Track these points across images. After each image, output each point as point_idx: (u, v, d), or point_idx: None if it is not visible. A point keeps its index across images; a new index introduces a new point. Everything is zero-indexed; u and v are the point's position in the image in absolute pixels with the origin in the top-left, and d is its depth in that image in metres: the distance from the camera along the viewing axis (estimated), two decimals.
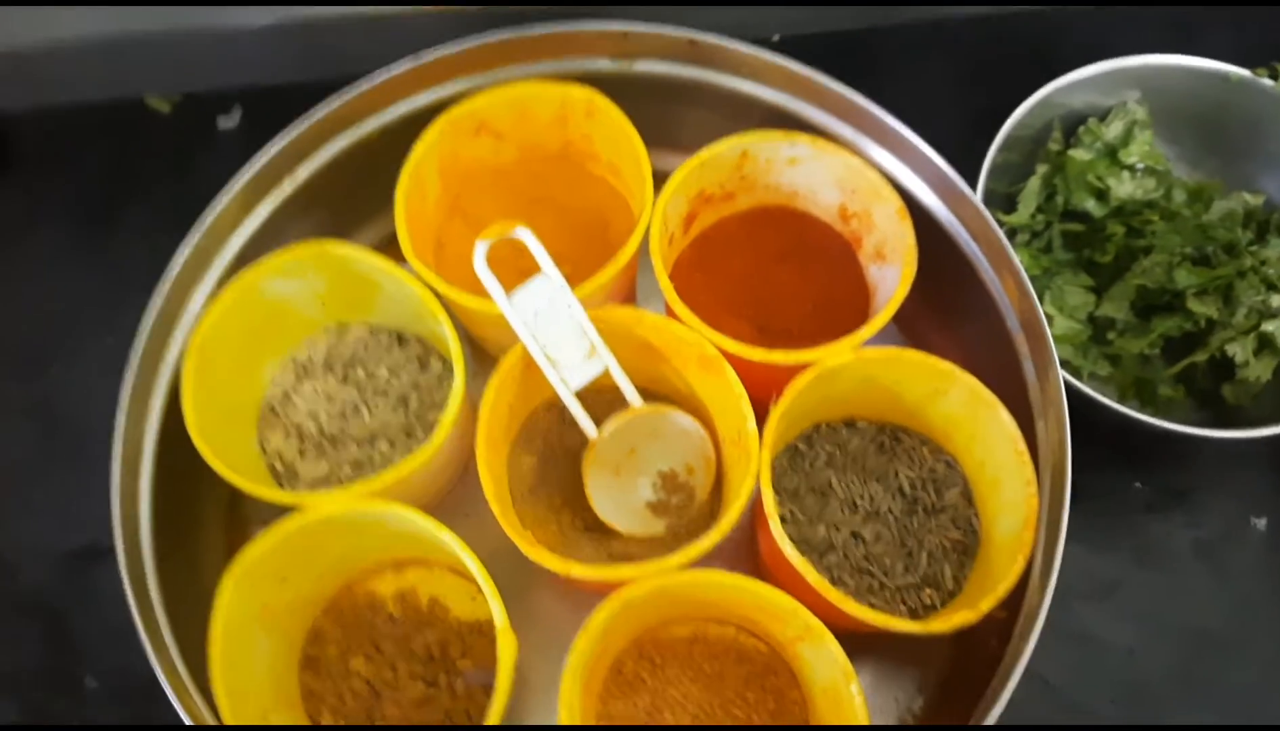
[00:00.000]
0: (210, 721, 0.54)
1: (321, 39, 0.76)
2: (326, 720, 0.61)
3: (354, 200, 0.69)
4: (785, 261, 0.70)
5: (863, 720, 0.53)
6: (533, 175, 0.71)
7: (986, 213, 0.59)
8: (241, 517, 0.68)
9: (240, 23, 0.75)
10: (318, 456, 0.65)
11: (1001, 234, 0.59)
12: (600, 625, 0.55)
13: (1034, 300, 0.57)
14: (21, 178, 0.79)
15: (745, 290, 0.69)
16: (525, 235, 0.58)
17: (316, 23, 0.76)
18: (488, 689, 0.61)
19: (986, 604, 0.55)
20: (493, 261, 0.58)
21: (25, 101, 0.79)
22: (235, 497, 0.69)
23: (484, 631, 0.64)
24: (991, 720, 0.52)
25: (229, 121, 0.80)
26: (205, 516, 0.67)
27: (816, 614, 0.56)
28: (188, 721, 0.52)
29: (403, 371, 0.68)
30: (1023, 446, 0.57)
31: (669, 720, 0.61)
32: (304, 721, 0.61)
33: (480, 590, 0.56)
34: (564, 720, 0.53)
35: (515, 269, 0.59)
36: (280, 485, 0.65)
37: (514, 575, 0.61)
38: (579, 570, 0.56)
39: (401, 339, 0.69)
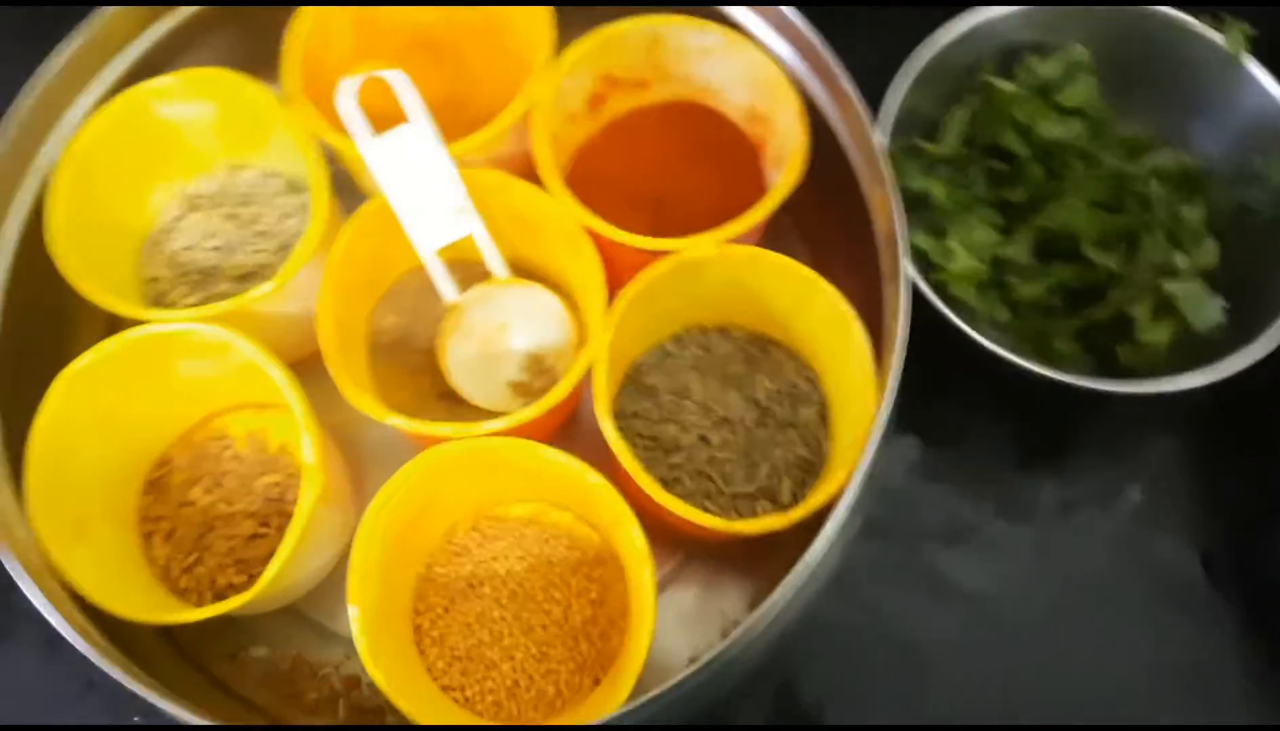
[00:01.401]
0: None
1: None
2: (157, 544, 0.62)
3: (265, 40, 0.68)
4: (690, 159, 0.68)
5: (648, 602, 0.52)
6: (449, 40, 0.70)
7: (866, 115, 0.57)
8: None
9: None
10: (191, 289, 0.65)
11: (876, 136, 0.56)
12: (409, 475, 0.55)
13: (895, 212, 0.55)
14: None
15: (647, 183, 0.68)
16: (394, 77, 0.57)
17: None
18: None
19: (798, 513, 0.53)
20: (387, 123, 0.57)
21: None
22: (115, 323, 0.69)
23: None
24: (776, 604, 0.50)
25: None
26: (79, 331, 0.67)
27: (647, 511, 0.55)
28: None
29: (290, 218, 0.67)
30: (872, 367, 0.55)
31: (486, 593, 0.60)
32: (135, 541, 0.62)
33: (302, 429, 0.56)
34: (355, 560, 0.53)
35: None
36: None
37: (379, 432, 0.60)
38: (397, 420, 0.55)
39: (295, 186, 0.69)
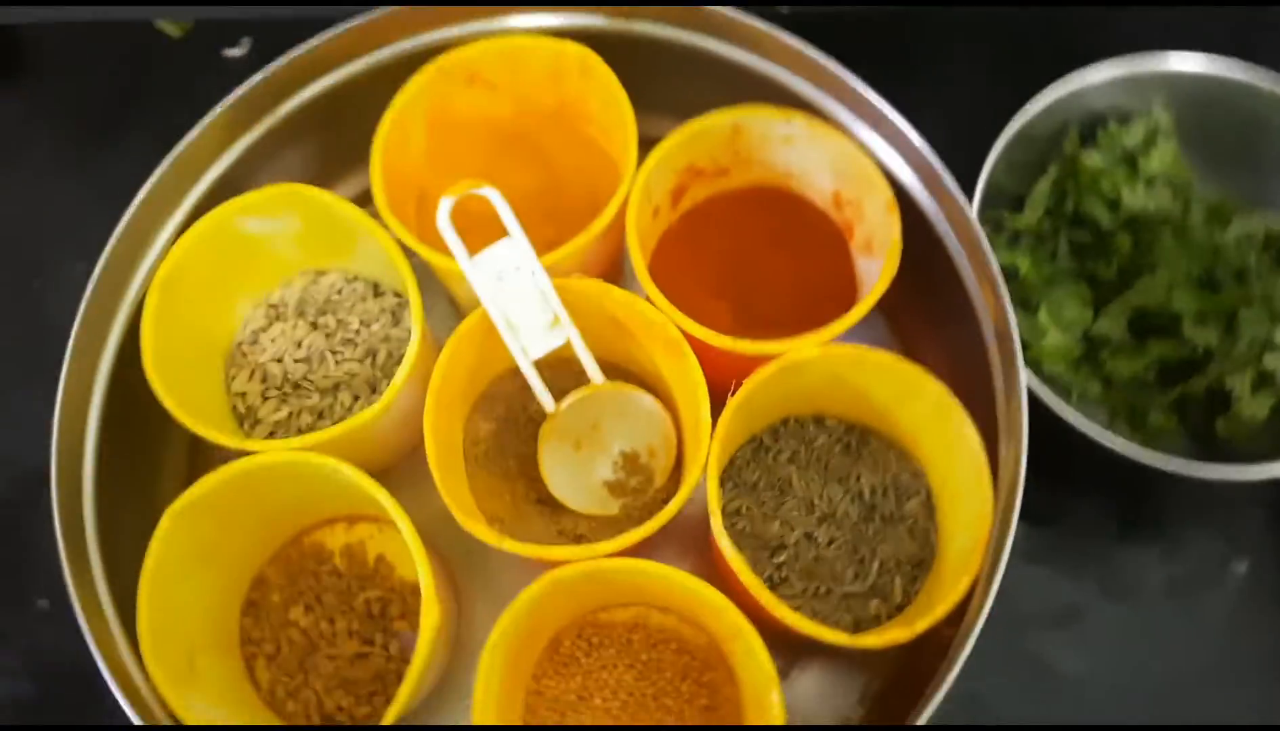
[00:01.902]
0: (124, 651, 0.54)
1: None
2: (260, 667, 0.61)
3: (338, 145, 0.68)
4: (774, 245, 0.67)
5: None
6: (525, 131, 0.69)
7: (967, 207, 0.56)
8: (204, 458, 0.68)
9: None
10: (280, 401, 0.65)
11: (981, 232, 0.56)
12: (527, 604, 0.54)
13: (1007, 310, 0.54)
14: (28, 84, 0.79)
15: (730, 272, 0.67)
16: (492, 195, 0.57)
17: None
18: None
19: (922, 624, 0.53)
20: (472, 221, 0.57)
21: (38, 14, 0.79)
22: (198, 438, 0.68)
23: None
24: None
25: (237, 51, 0.79)
26: (165, 453, 0.67)
27: (755, 613, 0.54)
28: (94, 651, 0.52)
29: (375, 323, 0.67)
30: (984, 462, 0.55)
31: (598, 704, 0.60)
32: (239, 665, 0.61)
33: (417, 564, 0.55)
34: (478, 695, 0.53)
35: (498, 231, 0.57)
36: (240, 425, 0.65)
37: (468, 537, 0.60)
38: (510, 545, 0.55)
39: (378, 290, 0.68)
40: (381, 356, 0.66)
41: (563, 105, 0.67)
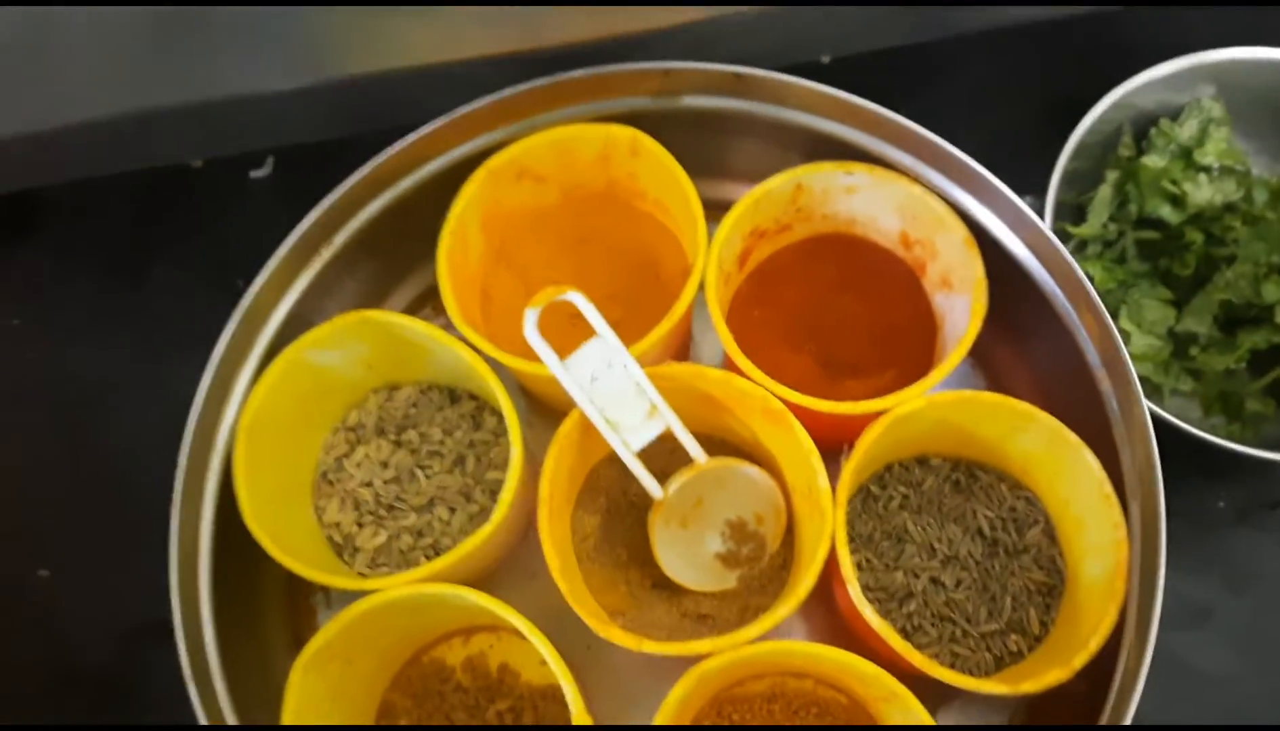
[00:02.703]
0: None
1: (351, 97, 0.74)
2: None
3: (396, 254, 0.68)
4: (845, 290, 0.67)
5: None
6: (577, 216, 0.68)
7: (1060, 246, 0.56)
8: (302, 593, 0.67)
9: (267, 88, 0.72)
10: (376, 526, 0.64)
11: (1075, 265, 0.56)
12: (677, 700, 0.53)
13: (1115, 337, 0.54)
14: (50, 237, 0.77)
15: (805, 322, 0.66)
16: (577, 299, 0.56)
17: (345, 83, 0.73)
18: None
19: (1079, 660, 0.52)
20: (542, 316, 0.56)
21: (51, 177, 0.78)
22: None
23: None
24: None
25: (261, 171, 0.78)
26: (265, 592, 0.66)
27: (899, 669, 0.54)
28: None
29: (456, 430, 0.66)
30: (1109, 488, 0.55)
31: None
32: None
33: (564, 689, 0.54)
34: None
35: (566, 314, 0.57)
36: (340, 555, 0.64)
37: (587, 630, 0.59)
38: (651, 647, 0.54)
39: (454, 396, 0.67)
40: (470, 463, 0.65)
41: (612, 186, 0.67)
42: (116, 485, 0.70)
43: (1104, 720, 0.51)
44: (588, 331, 0.57)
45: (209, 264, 0.75)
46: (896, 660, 0.54)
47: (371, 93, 0.71)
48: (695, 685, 0.54)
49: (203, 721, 0.54)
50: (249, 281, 0.60)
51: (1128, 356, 0.54)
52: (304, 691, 0.55)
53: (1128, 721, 0.49)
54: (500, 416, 0.66)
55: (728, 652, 0.54)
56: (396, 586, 0.56)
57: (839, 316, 0.66)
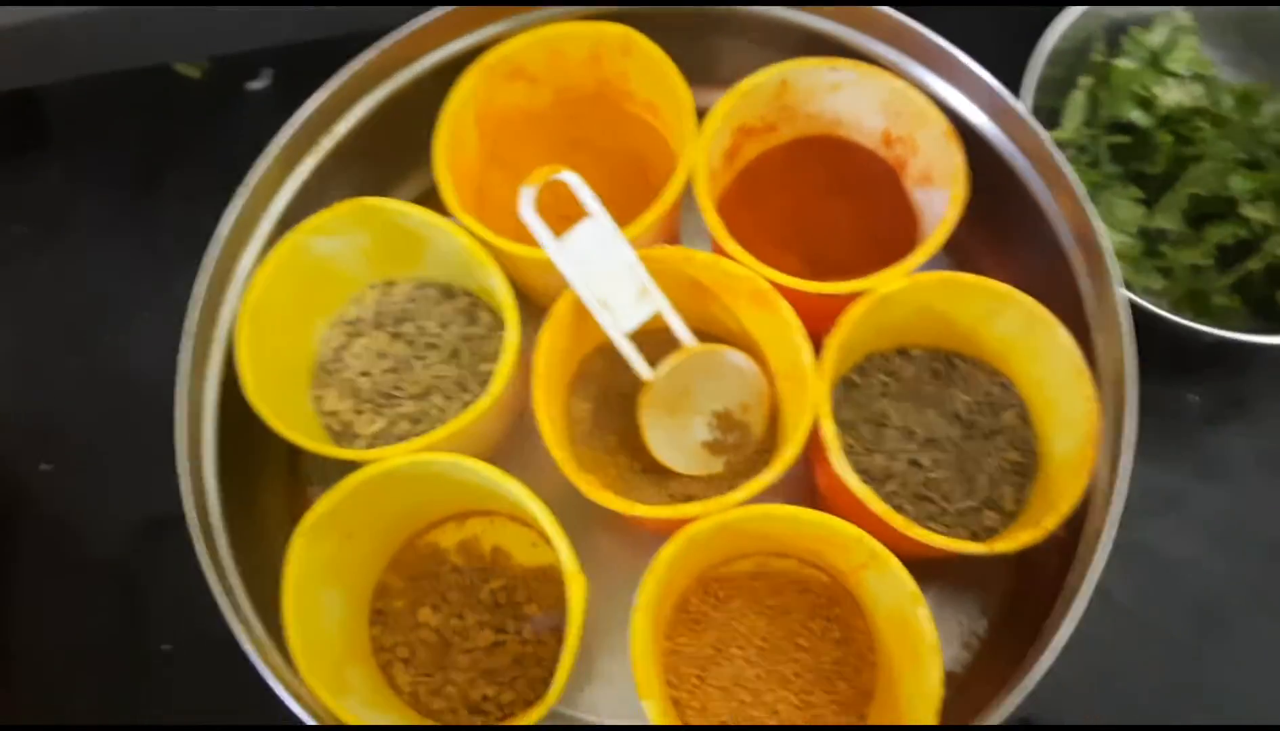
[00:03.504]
0: (289, 677, 0.55)
1: None
2: (399, 672, 0.62)
3: (393, 153, 0.69)
4: (830, 192, 0.69)
5: (931, 643, 0.54)
6: (569, 118, 0.70)
7: (1039, 128, 0.58)
8: (300, 478, 0.69)
9: None
10: (374, 413, 0.66)
11: (1055, 149, 0.58)
12: (666, 563, 0.56)
13: (1089, 214, 0.56)
14: (62, 151, 0.80)
15: (791, 224, 0.68)
16: (571, 178, 0.58)
17: None
18: (556, 632, 0.62)
19: (1050, 522, 0.55)
20: (539, 209, 0.58)
21: (55, 74, 0.79)
22: (294, 459, 0.69)
23: (548, 577, 0.64)
24: (1061, 639, 0.52)
25: (260, 83, 0.79)
26: (266, 480, 0.67)
27: (879, 541, 0.56)
28: (270, 679, 0.53)
29: (452, 324, 0.68)
30: (1082, 362, 0.57)
31: (735, 653, 0.61)
32: (377, 673, 0.62)
33: (541, 537, 0.57)
34: (636, 657, 0.54)
35: (557, 214, 0.59)
36: (338, 443, 0.66)
37: (573, 521, 0.60)
38: (642, 510, 0.56)
39: (449, 292, 0.69)
40: (465, 355, 0.67)
41: (603, 86, 0.69)
42: (124, 386, 0.72)
43: (1070, 580, 0.53)
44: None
45: (213, 173, 0.76)
46: (879, 536, 0.56)
47: None
48: (685, 548, 0.56)
49: (222, 603, 0.55)
50: None
51: (1102, 234, 0.56)
52: (304, 560, 0.57)
53: (1094, 577, 0.51)
54: (493, 312, 0.68)
55: (714, 516, 0.56)
56: (395, 456, 0.58)
57: (823, 218, 0.69)
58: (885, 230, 0.67)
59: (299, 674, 0.55)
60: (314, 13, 0.69)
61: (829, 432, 0.57)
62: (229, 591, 0.56)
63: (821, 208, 0.69)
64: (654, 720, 0.53)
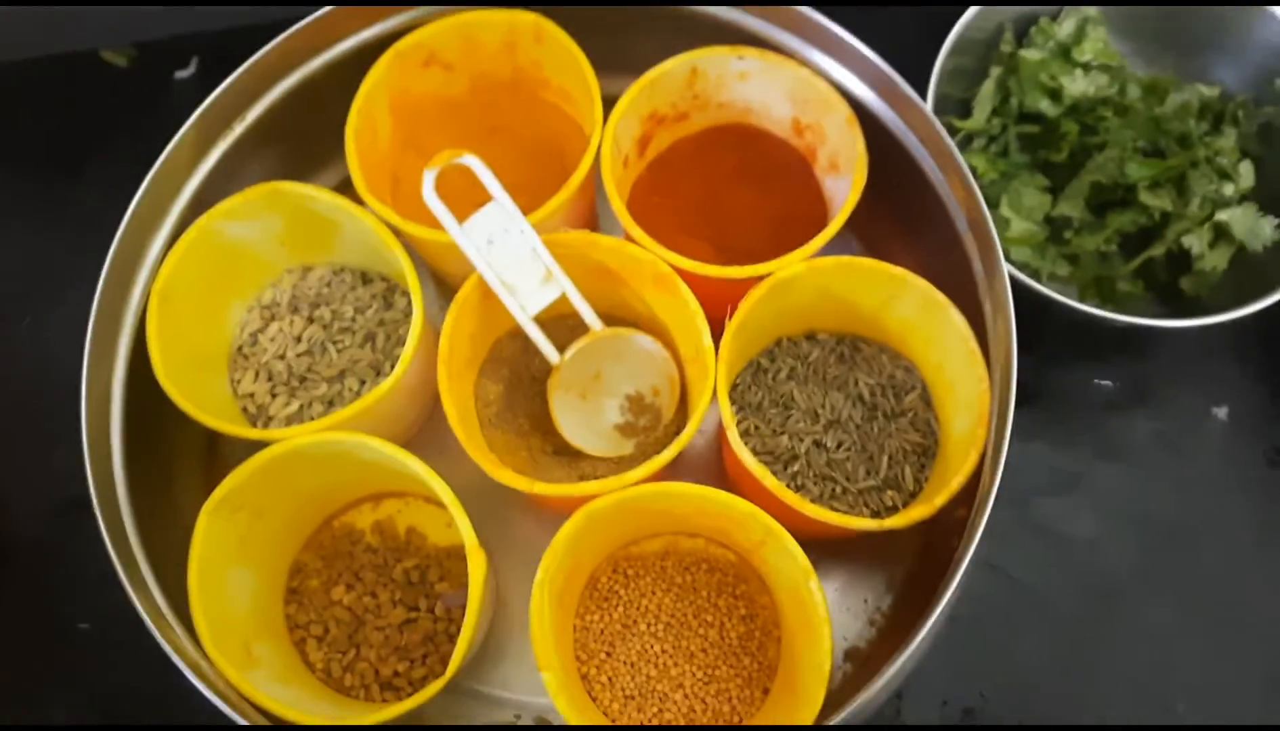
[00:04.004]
0: (192, 654, 0.56)
1: None
2: (311, 649, 0.63)
3: (309, 140, 0.69)
4: (741, 180, 0.70)
5: (823, 616, 0.55)
6: (485, 105, 0.71)
7: (930, 114, 0.59)
8: (221, 460, 0.70)
9: None
10: (288, 395, 0.66)
11: (946, 135, 0.59)
12: (567, 539, 0.56)
13: (979, 200, 0.58)
14: None
15: (703, 211, 0.70)
16: (473, 162, 0.59)
17: None
18: (465, 609, 0.63)
19: (940, 498, 0.56)
20: (449, 194, 0.59)
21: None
22: (213, 442, 0.70)
23: (461, 556, 0.65)
24: (941, 606, 0.53)
25: (186, 72, 0.80)
26: (182, 461, 0.68)
27: (782, 522, 0.57)
28: (171, 654, 0.54)
29: (368, 309, 0.69)
30: (974, 344, 0.58)
31: (643, 629, 0.63)
32: (290, 650, 0.63)
33: (454, 518, 0.57)
34: (535, 628, 0.55)
35: (472, 202, 0.60)
36: (254, 425, 0.66)
37: (487, 503, 0.62)
38: (541, 488, 0.57)
39: (365, 277, 0.70)
40: (380, 340, 0.68)
41: (518, 74, 0.69)
42: (39, 371, 0.72)
43: (957, 552, 0.54)
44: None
45: (138, 160, 0.77)
46: (781, 516, 0.57)
47: None
48: (585, 525, 0.57)
49: (124, 579, 0.56)
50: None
51: (989, 218, 0.57)
52: (211, 536, 0.57)
53: (973, 545, 0.52)
54: (409, 297, 0.69)
55: (614, 494, 0.57)
56: (301, 435, 0.58)
57: (735, 205, 0.70)
58: (796, 218, 0.68)
59: (203, 649, 0.56)
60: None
61: (726, 411, 0.58)
62: (132, 567, 0.57)
63: (734, 195, 0.70)
64: (551, 691, 0.54)
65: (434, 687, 0.56)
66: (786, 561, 0.57)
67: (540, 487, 0.57)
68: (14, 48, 0.79)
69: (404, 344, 0.67)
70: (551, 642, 0.56)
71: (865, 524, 0.56)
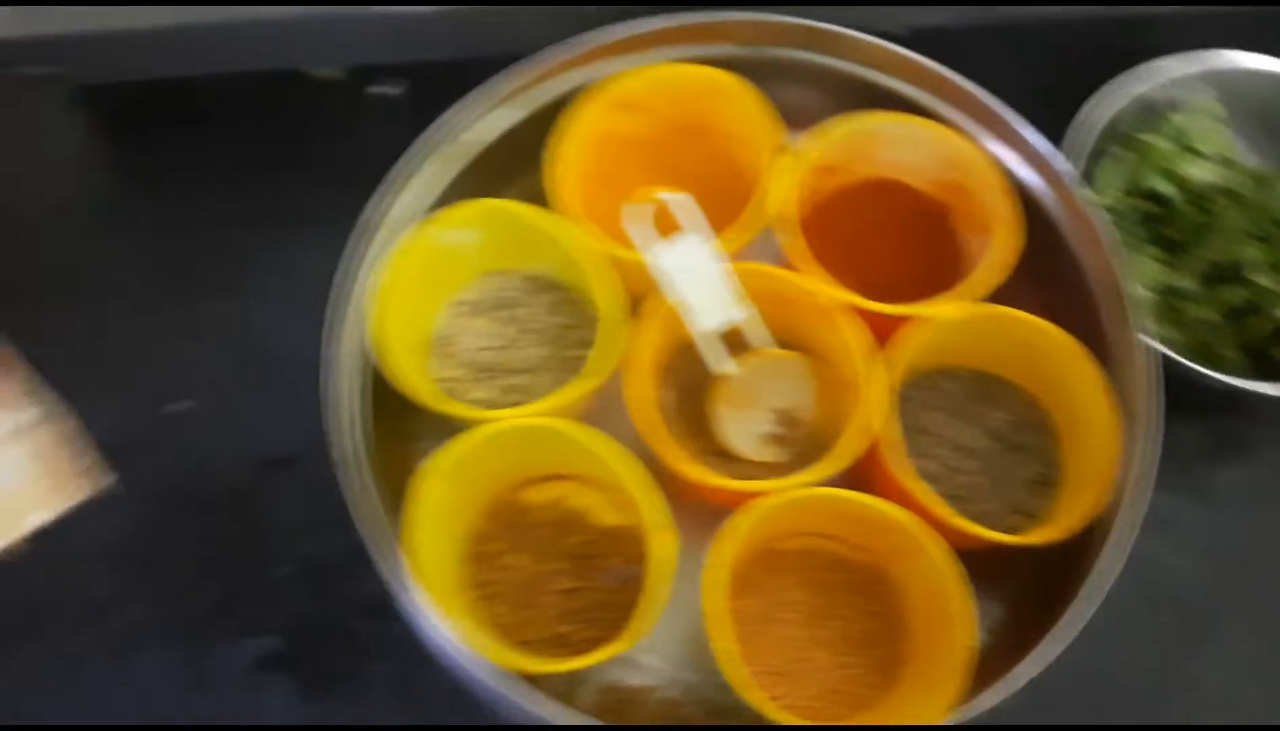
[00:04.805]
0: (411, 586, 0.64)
1: (480, 21, 0.86)
2: (493, 605, 0.72)
3: (505, 161, 0.78)
4: (888, 230, 0.79)
5: (970, 624, 0.63)
6: (666, 146, 0.80)
7: (1082, 190, 0.68)
8: (408, 435, 0.78)
9: (406, 10, 0.85)
10: (478, 384, 0.75)
11: (1095, 209, 0.68)
12: (741, 529, 0.65)
13: (1120, 269, 0.66)
14: (207, 130, 0.90)
15: (851, 254, 0.78)
16: (671, 197, 0.68)
17: (474, 11, 0.86)
18: (630, 583, 0.71)
19: (1070, 524, 0.64)
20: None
21: (205, 68, 0.89)
22: (404, 416, 0.79)
23: (625, 536, 0.73)
24: (1068, 634, 0.62)
25: (394, 90, 0.90)
26: (380, 432, 0.77)
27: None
28: (397, 587, 0.63)
29: (551, 314, 0.78)
30: (1104, 394, 0.67)
31: (785, 617, 0.71)
32: (476, 605, 0.71)
33: (619, 502, 0.66)
34: (709, 607, 0.63)
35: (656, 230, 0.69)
36: None
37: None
38: (717, 479, 0.66)
39: (550, 285, 0.79)
40: (560, 342, 0.77)
41: (701, 122, 0.79)
42: (254, 344, 0.83)
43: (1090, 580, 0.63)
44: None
45: (345, 167, 0.86)
46: None
47: (492, 21, 0.82)
48: (758, 518, 0.65)
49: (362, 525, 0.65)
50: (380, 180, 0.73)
51: (1129, 286, 0.66)
52: (425, 496, 0.66)
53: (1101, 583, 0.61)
54: (585, 306, 0.78)
55: (787, 493, 0.65)
56: (513, 418, 0.68)
57: (880, 253, 0.78)
58: (937, 270, 0.77)
59: (422, 591, 0.64)
60: (447, 37, 0.79)
61: (892, 434, 0.66)
62: (368, 510, 0.65)
63: (879, 243, 0.79)
64: (721, 661, 0.62)
65: (618, 647, 0.64)
66: (929, 567, 0.65)
67: (715, 478, 0.66)
68: (235, 60, 0.89)
69: (578, 346, 0.76)
70: (725, 619, 0.64)
71: (1006, 538, 0.65)
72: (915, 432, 0.73)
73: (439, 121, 0.74)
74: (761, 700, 0.62)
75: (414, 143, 0.73)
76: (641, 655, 0.74)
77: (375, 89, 0.91)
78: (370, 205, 0.72)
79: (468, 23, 0.86)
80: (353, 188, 0.73)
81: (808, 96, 0.78)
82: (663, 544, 0.65)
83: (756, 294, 0.71)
